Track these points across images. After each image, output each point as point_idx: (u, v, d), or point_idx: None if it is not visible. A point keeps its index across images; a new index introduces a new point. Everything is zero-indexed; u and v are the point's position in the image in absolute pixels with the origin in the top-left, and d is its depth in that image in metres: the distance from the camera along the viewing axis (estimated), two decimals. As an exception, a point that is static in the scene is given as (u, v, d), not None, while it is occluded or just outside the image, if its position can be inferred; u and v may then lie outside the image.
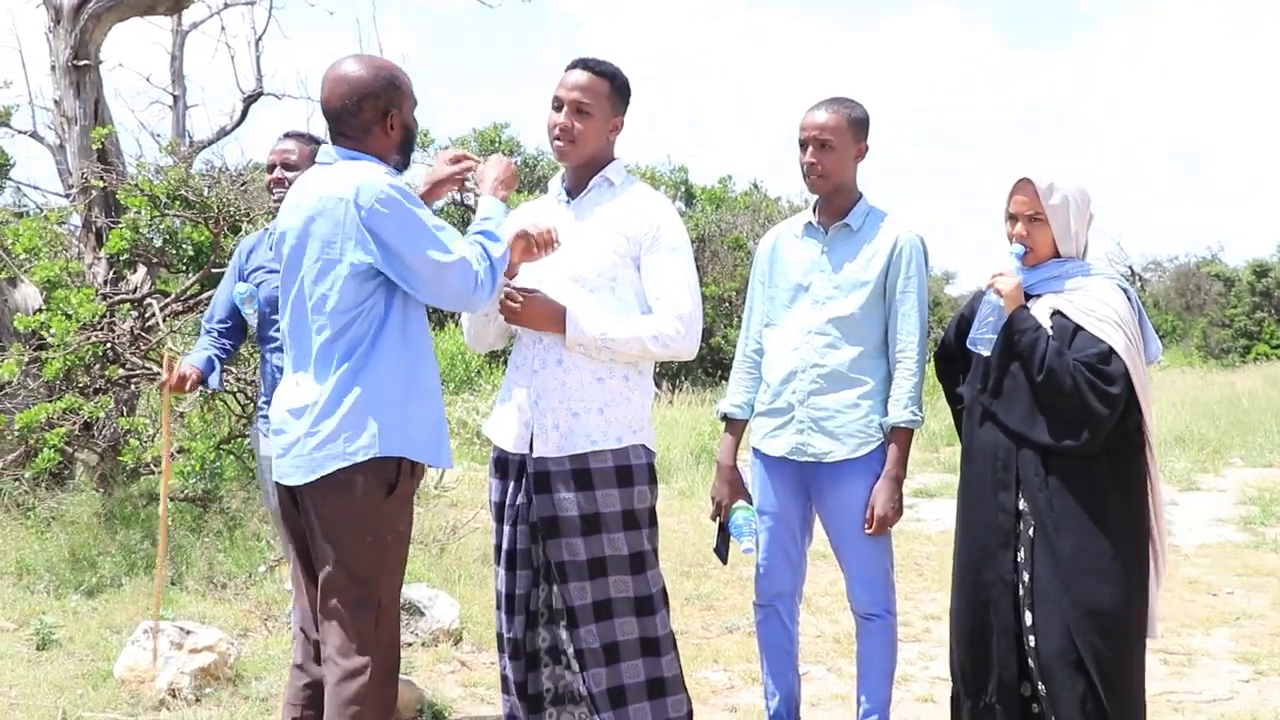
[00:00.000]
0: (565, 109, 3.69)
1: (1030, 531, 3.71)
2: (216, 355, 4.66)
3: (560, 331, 3.61)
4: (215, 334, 4.72)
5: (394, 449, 3.32)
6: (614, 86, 3.73)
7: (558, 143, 3.72)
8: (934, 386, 4.24)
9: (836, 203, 4.14)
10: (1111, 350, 3.62)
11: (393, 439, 3.31)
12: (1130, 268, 34.89)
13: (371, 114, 3.38)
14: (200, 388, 4.82)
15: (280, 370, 4.28)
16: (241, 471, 7.94)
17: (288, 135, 4.68)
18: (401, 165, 3.52)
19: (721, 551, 4.32)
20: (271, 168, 4.63)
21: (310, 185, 3.38)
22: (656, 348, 3.64)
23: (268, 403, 4.53)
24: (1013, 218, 3.83)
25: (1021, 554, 3.73)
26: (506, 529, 3.76)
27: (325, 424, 3.31)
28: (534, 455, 3.66)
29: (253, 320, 4.64)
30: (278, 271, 4.28)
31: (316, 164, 3.47)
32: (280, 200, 4.36)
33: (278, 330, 4.27)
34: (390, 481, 3.34)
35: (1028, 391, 3.71)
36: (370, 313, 3.32)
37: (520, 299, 3.62)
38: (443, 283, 3.28)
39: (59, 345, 7.12)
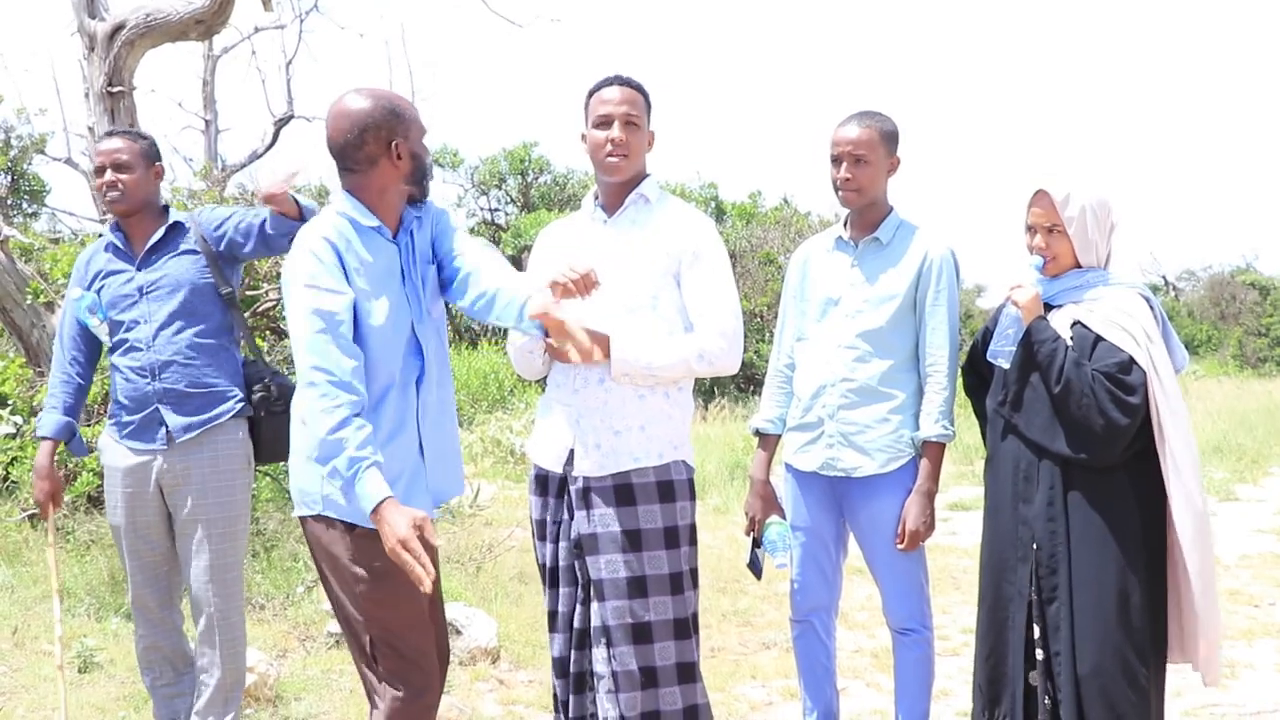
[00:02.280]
0: (617, 124, 3.71)
1: (1052, 544, 3.70)
2: (69, 405, 4.41)
3: (607, 358, 3.62)
4: (65, 375, 4.43)
5: (335, 510, 3.31)
6: (646, 99, 3.79)
7: (611, 159, 3.72)
8: (965, 398, 4.22)
9: (867, 216, 4.14)
10: (1131, 360, 3.60)
11: (335, 500, 3.30)
12: (1164, 277, 34.69)
13: (375, 146, 3.30)
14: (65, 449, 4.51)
15: (132, 371, 4.26)
16: (278, 493, 7.97)
17: (112, 134, 4.43)
18: (418, 195, 3.45)
19: (756, 567, 4.31)
20: (101, 170, 4.34)
21: None
22: (701, 366, 3.66)
23: (121, 408, 4.33)
24: (1031, 229, 3.82)
25: (1042, 568, 3.71)
26: (549, 546, 3.77)
27: (295, 466, 3.40)
28: (575, 473, 3.67)
29: (102, 335, 4.36)
30: (119, 271, 4.31)
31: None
32: (115, 203, 4.33)
33: (127, 331, 4.28)
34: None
35: (1047, 403, 3.69)
36: None
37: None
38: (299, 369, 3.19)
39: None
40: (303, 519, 3.40)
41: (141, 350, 4.26)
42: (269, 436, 4.37)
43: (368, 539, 3.26)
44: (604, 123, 3.74)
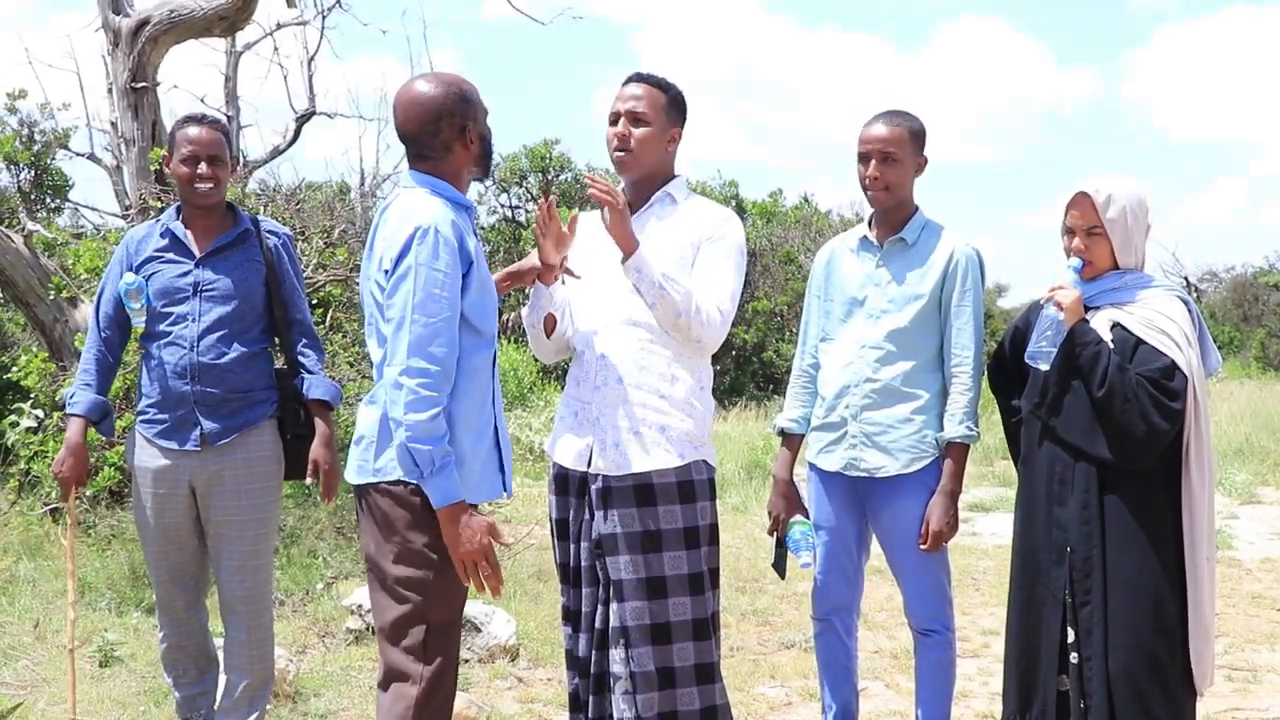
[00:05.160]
0: (622, 120, 3.71)
1: (1087, 547, 3.67)
2: (102, 384, 4.27)
3: (630, 251, 3.57)
4: (99, 354, 4.29)
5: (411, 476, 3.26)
6: (669, 98, 3.75)
7: (618, 154, 3.73)
8: (989, 399, 4.20)
9: (893, 216, 4.12)
10: (1174, 364, 3.57)
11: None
12: (1185, 279, 34.47)
13: (450, 132, 3.37)
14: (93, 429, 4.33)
15: (170, 369, 4.12)
16: (297, 488, 7.98)
17: (199, 121, 4.27)
18: (482, 175, 3.52)
19: (779, 566, 4.30)
20: (194, 160, 4.19)
21: (396, 209, 3.36)
22: (695, 319, 3.60)
23: (153, 405, 4.21)
24: (1070, 231, 3.79)
25: (1076, 570, 3.69)
26: (571, 546, 3.76)
27: (371, 434, 3.35)
28: (594, 472, 3.66)
29: (138, 318, 4.21)
30: (175, 262, 4.19)
31: (401, 187, 3.44)
32: (207, 196, 4.20)
33: (172, 324, 4.15)
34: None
35: (1088, 406, 3.65)
36: None
37: (614, 203, 3.55)
38: (390, 352, 3.21)
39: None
40: (372, 487, 3.34)
41: (184, 349, 4.15)
42: (294, 456, 4.31)
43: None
44: (613, 118, 3.75)
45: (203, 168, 4.21)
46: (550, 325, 3.82)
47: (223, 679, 4.44)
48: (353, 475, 3.42)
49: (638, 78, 3.76)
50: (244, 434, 4.20)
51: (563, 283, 3.75)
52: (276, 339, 4.36)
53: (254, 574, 4.26)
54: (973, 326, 4.04)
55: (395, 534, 3.32)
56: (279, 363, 4.40)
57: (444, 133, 3.37)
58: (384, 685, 3.38)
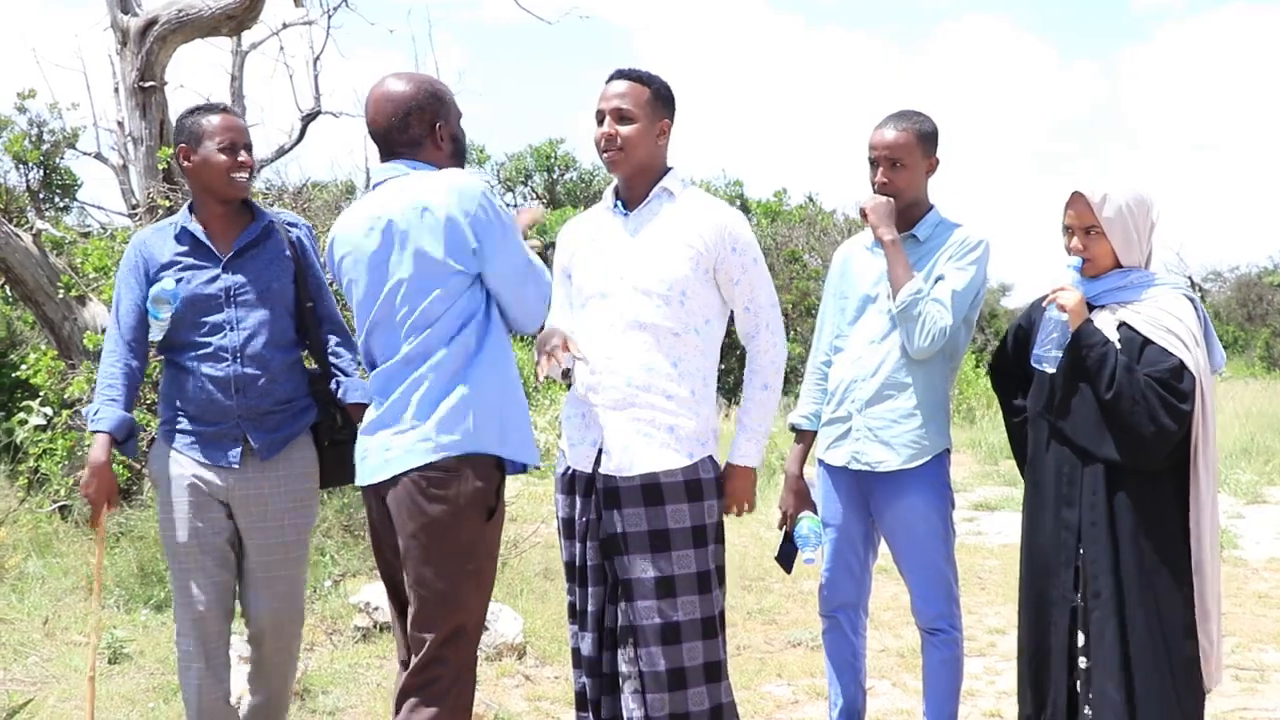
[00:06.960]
0: (608, 119, 3.70)
1: (1095, 549, 3.67)
2: (128, 399, 3.91)
3: (756, 465, 3.91)
4: (125, 367, 3.93)
5: (488, 446, 3.33)
6: (653, 91, 3.73)
7: (606, 154, 3.72)
8: (989, 398, 4.21)
9: (906, 215, 4.11)
10: (1182, 365, 3.58)
11: (487, 437, 3.34)
12: (1190, 278, 34.45)
13: (419, 128, 3.42)
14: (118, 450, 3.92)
15: (211, 383, 3.84)
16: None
17: (229, 111, 3.99)
18: None
19: (786, 561, 4.31)
20: (234, 148, 3.90)
21: (393, 195, 3.35)
22: (779, 381, 3.86)
23: (190, 418, 3.90)
24: (1069, 230, 3.79)
25: (1085, 572, 3.69)
26: (577, 545, 3.75)
27: (428, 417, 3.33)
28: (603, 472, 3.66)
29: (162, 326, 3.88)
30: (199, 267, 3.89)
31: (387, 176, 3.42)
32: (244, 185, 3.95)
33: (208, 334, 3.86)
34: (489, 505, 3.35)
35: (1095, 408, 3.65)
36: (471, 312, 3.35)
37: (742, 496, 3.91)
38: (524, 293, 3.41)
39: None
40: (414, 481, 3.30)
41: (226, 360, 3.85)
42: (334, 462, 4.06)
43: (499, 523, 3.41)
44: (599, 118, 3.74)
45: (243, 155, 3.92)
46: (569, 378, 3.82)
47: (246, 699, 4.18)
48: (396, 464, 3.33)
49: (620, 74, 3.75)
50: (286, 448, 3.96)
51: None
52: (307, 339, 4.12)
53: (290, 599, 4.00)
54: (967, 283, 4.00)
55: (435, 536, 3.30)
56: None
57: (413, 128, 3.42)
58: (409, 689, 3.36)
